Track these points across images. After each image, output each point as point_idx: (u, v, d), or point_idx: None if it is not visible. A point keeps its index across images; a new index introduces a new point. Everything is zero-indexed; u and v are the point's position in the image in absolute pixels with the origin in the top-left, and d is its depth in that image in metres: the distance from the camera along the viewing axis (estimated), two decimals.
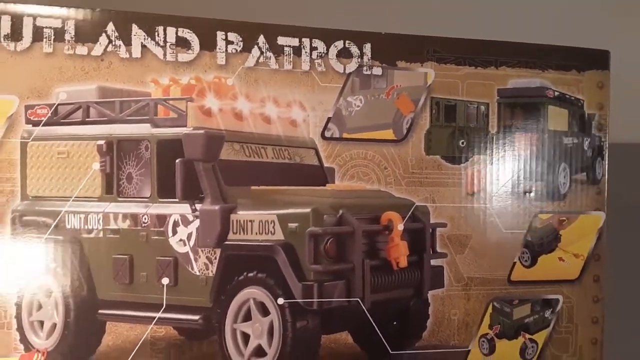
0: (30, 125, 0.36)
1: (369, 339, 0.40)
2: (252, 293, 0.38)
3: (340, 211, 0.39)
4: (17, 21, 0.36)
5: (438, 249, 0.42)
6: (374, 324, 0.39)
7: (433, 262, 0.41)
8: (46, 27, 0.36)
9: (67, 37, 0.36)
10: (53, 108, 0.36)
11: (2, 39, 0.35)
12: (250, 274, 0.38)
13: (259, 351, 0.37)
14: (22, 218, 0.35)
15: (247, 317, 0.37)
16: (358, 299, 0.39)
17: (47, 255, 0.35)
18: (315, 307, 0.37)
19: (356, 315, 0.39)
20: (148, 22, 0.38)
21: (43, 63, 0.36)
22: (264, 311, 0.37)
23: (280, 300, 0.37)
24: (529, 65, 0.44)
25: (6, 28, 0.35)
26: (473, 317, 0.43)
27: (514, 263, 0.44)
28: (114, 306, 0.35)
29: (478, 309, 0.43)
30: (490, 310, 0.43)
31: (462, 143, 0.42)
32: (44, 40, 0.36)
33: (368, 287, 0.39)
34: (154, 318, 0.34)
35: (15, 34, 0.35)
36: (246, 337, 0.37)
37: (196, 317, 0.36)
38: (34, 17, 0.36)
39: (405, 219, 0.40)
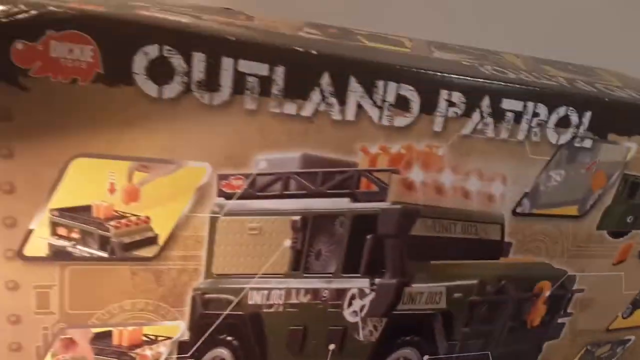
0: (223, 199, 0.29)
1: None
2: (404, 353, 0.38)
3: (502, 282, 0.38)
4: (214, 63, 0.26)
5: (568, 309, 0.43)
6: None
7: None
8: (250, 75, 0.27)
9: (274, 89, 0.27)
10: (250, 179, 0.29)
11: (194, 86, 0.26)
12: (407, 338, 0.38)
13: None
14: (203, 296, 0.30)
15: None
16: (489, 352, 0.41)
17: (225, 330, 0.32)
18: None
19: None
20: (369, 75, 0.29)
21: (243, 123, 0.27)
22: None
23: (426, 357, 0.39)
24: None
25: (200, 71, 0.26)
26: None
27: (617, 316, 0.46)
28: None
29: (574, 353, 0.46)
30: (582, 352, 0.47)
31: (630, 219, 0.40)
32: (247, 92, 0.27)
33: (502, 344, 0.41)
34: None
35: (211, 82, 0.26)
36: None
37: None
38: (235, 60, 0.26)
39: (554, 287, 0.40)
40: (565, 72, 0.39)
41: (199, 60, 0.25)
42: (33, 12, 0.23)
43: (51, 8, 0.23)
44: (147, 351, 0.31)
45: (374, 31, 0.37)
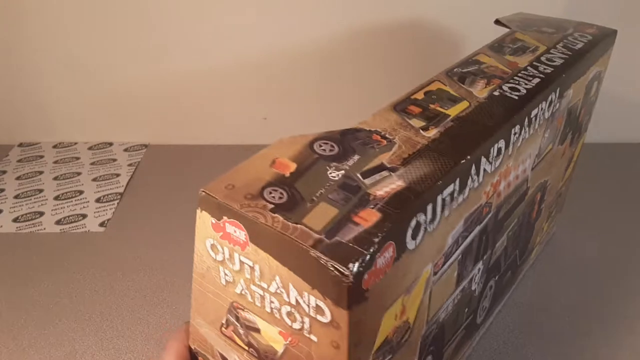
0: (434, 275, 0.40)
1: None
2: (490, 280, 0.55)
3: (523, 209, 0.57)
4: (435, 204, 0.35)
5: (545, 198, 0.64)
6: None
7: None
8: (447, 195, 0.37)
9: (455, 194, 0.38)
10: (445, 255, 0.40)
11: (426, 225, 0.35)
12: (493, 275, 0.55)
13: None
14: (425, 336, 0.42)
15: None
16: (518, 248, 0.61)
17: (431, 344, 0.45)
18: None
19: None
20: (488, 150, 0.40)
21: (443, 226, 0.38)
22: None
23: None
24: None
25: (429, 215, 0.35)
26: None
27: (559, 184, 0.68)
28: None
29: (547, 217, 0.68)
30: (547, 216, 0.69)
31: (568, 130, 0.60)
32: (445, 207, 0.37)
33: (522, 239, 0.61)
34: None
35: (433, 216, 0.36)
36: None
37: None
38: (442, 192, 0.36)
39: (542, 192, 0.60)
40: (522, 57, 0.54)
41: (429, 209, 0.35)
42: (367, 252, 0.29)
43: (375, 239, 0.30)
44: None
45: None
